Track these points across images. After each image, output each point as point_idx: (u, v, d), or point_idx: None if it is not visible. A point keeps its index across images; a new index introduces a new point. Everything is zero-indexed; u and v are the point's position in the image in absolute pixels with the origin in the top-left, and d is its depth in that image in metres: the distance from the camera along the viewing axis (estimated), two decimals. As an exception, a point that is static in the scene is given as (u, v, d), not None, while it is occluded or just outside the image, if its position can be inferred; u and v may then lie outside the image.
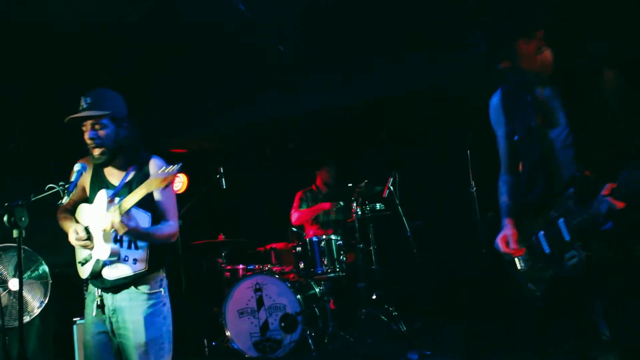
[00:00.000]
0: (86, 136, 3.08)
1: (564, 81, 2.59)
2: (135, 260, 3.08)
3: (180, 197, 7.65)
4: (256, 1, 4.14)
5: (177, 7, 4.08)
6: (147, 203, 3.13)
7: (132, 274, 3.08)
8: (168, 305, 3.24)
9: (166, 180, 2.83)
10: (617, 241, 2.38)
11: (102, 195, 3.08)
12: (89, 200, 3.23)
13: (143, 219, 3.09)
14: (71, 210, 3.30)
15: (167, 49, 4.74)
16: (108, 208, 3.01)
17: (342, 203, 6.60)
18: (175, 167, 2.85)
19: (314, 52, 5.15)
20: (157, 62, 4.93)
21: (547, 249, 2.58)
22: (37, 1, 3.85)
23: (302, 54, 5.12)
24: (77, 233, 3.08)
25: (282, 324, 5.52)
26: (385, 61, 5.61)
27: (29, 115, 5.41)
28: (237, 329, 5.64)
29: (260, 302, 5.64)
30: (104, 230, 2.99)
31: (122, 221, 2.89)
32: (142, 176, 3.14)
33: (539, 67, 2.60)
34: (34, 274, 4.65)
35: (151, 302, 3.13)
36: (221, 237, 6.37)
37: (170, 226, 3.18)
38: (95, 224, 3.08)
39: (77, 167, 3.03)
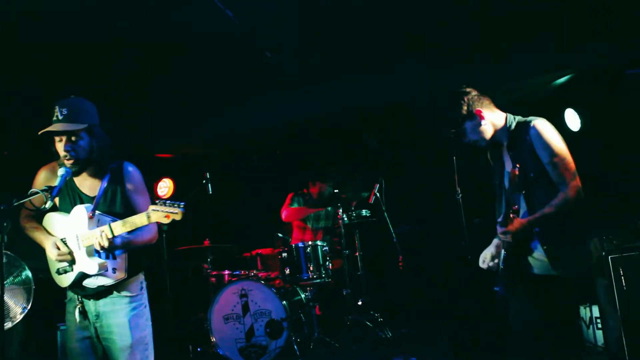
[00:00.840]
0: (60, 148, 3.06)
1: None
2: (114, 270, 3.10)
3: (165, 202, 7.67)
4: (247, 8, 4.14)
5: (165, 9, 4.06)
6: (124, 209, 3.15)
7: (113, 282, 3.11)
8: (148, 307, 3.30)
9: (169, 217, 2.81)
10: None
11: (81, 210, 3.06)
12: (58, 208, 3.20)
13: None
14: (34, 216, 3.25)
15: (155, 53, 4.72)
16: (89, 225, 3.01)
17: (330, 209, 6.60)
18: (179, 208, 2.81)
19: (303, 59, 5.16)
20: (145, 65, 4.90)
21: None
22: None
23: (292, 62, 5.13)
24: (59, 249, 3.07)
25: (268, 330, 5.50)
26: (372, 70, 5.64)
27: (15, 120, 5.36)
28: (223, 335, 5.62)
29: (245, 308, 5.62)
30: (87, 247, 2.99)
31: (110, 243, 2.92)
32: (117, 185, 3.16)
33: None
34: (16, 280, 4.61)
35: (134, 304, 3.19)
36: (207, 242, 6.35)
37: (149, 230, 3.19)
38: (74, 237, 3.07)
39: (61, 171, 3.01)
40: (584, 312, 5.74)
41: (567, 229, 3.21)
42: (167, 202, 2.83)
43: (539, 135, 3.22)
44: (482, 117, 3.34)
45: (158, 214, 2.82)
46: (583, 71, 5.97)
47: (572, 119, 6.07)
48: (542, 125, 3.25)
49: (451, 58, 5.38)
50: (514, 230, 3.10)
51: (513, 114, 3.46)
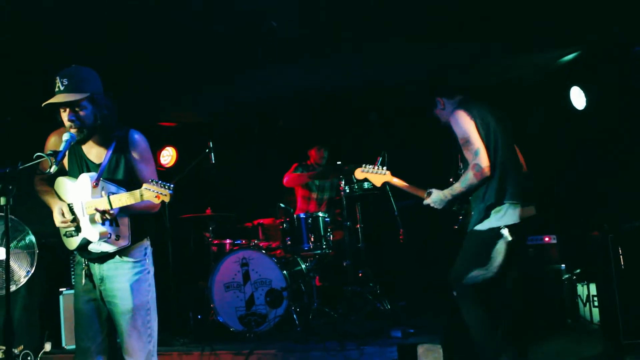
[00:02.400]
0: (64, 117, 3.07)
1: None
2: (117, 237, 3.14)
3: (169, 171, 7.71)
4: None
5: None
6: (127, 176, 3.18)
7: (116, 249, 3.16)
8: (153, 273, 3.35)
9: (159, 197, 2.85)
10: None
11: (85, 179, 3.09)
12: (67, 173, 3.25)
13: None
14: (48, 181, 3.31)
15: (158, 20, 4.68)
16: (93, 193, 3.05)
17: (335, 180, 6.61)
18: (168, 190, 2.85)
19: (309, 30, 5.12)
20: (146, 31, 4.86)
21: None
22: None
23: (297, 31, 5.09)
24: (64, 215, 3.11)
25: (268, 299, 5.56)
26: (377, 45, 5.60)
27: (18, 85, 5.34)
28: (223, 303, 5.69)
29: (246, 277, 5.68)
30: (90, 215, 3.03)
31: (108, 213, 2.98)
32: (122, 153, 3.19)
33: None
34: (20, 244, 4.65)
35: (136, 269, 3.24)
36: (209, 211, 6.38)
37: None
38: (80, 204, 3.11)
39: (65, 136, 3.02)
40: (581, 289, 5.81)
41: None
42: (160, 182, 2.87)
43: (453, 123, 4.02)
44: (442, 104, 4.24)
45: (150, 193, 2.86)
46: (589, 48, 5.93)
47: (578, 98, 6.05)
48: (455, 114, 4.01)
49: (453, 33, 5.33)
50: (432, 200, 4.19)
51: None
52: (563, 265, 5.80)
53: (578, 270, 5.88)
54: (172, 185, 2.85)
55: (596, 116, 5.92)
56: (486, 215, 3.91)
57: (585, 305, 5.75)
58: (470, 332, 3.98)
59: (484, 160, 3.86)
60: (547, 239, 5.82)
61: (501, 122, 4.02)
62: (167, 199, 2.84)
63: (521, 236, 3.95)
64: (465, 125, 3.94)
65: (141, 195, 2.91)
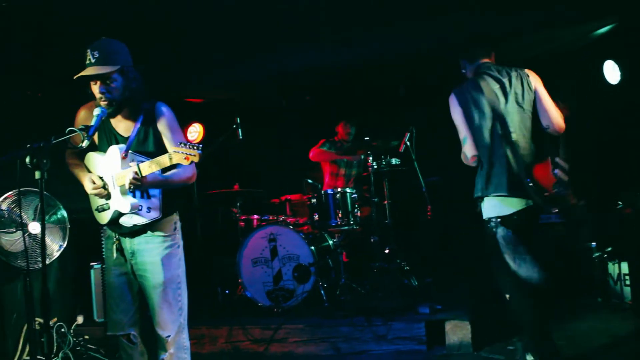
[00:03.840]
0: (95, 90, 3.09)
1: None
2: (149, 209, 3.17)
3: (196, 147, 7.73)
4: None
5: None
6: (156, 148, 3.20)
7: (147, 221, 3.18)
8: (182, 247, 3.38)
9: (188, 159, 2.84)
10: None
11: (115, 150, 3.11)
12: (97, 148, 3.27)
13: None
14: (78, 155, 3.34)
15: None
16: (123, 165, 3.07)
17: (363, 157, 6.57)
18: (197, 150, 2.83)
19: (336, 3, 5.05)
20: (175, 7, 4.85)
21: None
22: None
23: (324, 5, 5.03)
24: (94, 182, 3.14)
25: (295, 274, 5.59)
26: (407, 18, 5.51)
27: (49, 60, 5.38)
28: (251, 278, 5.73)
29: (274, 252, 5.71)
30: (121, 186, 3.05)
31: (137, 181, 2.98)
32: (150, 125, 3.20)
33: None
34: (52, 219, 4.72)
35: (166, 244, 3.27)
36: (237, 187, 6.41)
37: (187, 169, 3.23)
38: (110, 177, 3.14)
39: (96, 111, 3.04)
40: (612, 268, 5.72)
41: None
42: (188, 144, 2.85)
43: None
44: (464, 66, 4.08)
45: (179, 156, 2.85)
46: (623, 21, 5.77)
47: (612, 72, 5.91)
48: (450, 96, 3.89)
49: (485, 4, 5.22)
50: None
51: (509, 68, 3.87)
52: (594, 244, 5.71)
53: (609, 249, 5.79)
54: (200, 145, 2.83)
55: (630, 91, 5.78)
56: (481, 207, 3.80)
57: (616, 283, 5.67)
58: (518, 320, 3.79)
59: (469, 150, 3.81)
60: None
61: (504, 104, 3.72)
62: (196, 159, 2.83)
63: (520, 227, 3.69)
64: (452, 111, 3.86)
65: (170, 159, 2.90)
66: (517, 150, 3.65)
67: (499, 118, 3.69)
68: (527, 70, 3.81)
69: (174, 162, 2.90)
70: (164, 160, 2.94)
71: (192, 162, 2.84)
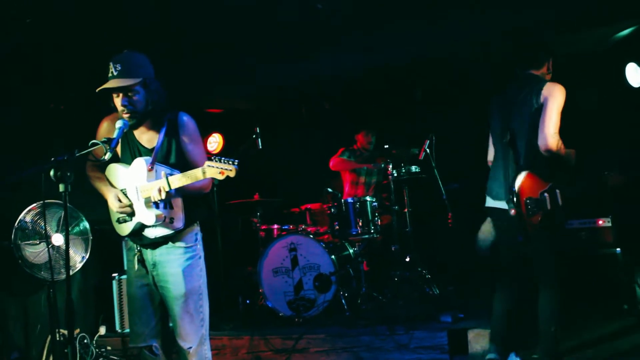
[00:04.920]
0: (118, 103, 3.11)
1: None
2: (172, 220, 3.17)
3: (216, 157, 7.76)
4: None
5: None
6: (179, 159, 3.20)
7: (170, 232, 3.19)
8: (203, 258, 3.38)
9: (223, 173, 2.83)
10: None
11: (141, 163, 3.12)
12: (119, 159, 3.29)
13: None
14: (99, 167, 3.37)
15: (204, 8, 4.69)
16: (149, 177, 3.08)
17: (383, 165, 6.55)
18: (234, 165, 2.84)
19: (353, 11, 5.05)
20: (194, 17, 4.88)
21: None
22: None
23: (341, 13, 5.03)
24: (120, 201, 3.16)
25: (316, 284, 5.57)
26: (426, 22, 5.49)
27: (71, 73, 5.44)
28: (272, 288, 5.72)
29: (294, 262, 5.70)
30: (146, 198, 3.06)
31: (166, 193, 3.01)
32: (173, 136, 3.21)
33: None
34: (74, 230, 4.77)
35: (188, 255, 3.27)
36: (257, 196, 6.42)
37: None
38: (134, 189, 3.15)
39: (119, 123, 3.07)
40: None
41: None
42: (223, 158, 2.84)
43: None
44: None
45: (213, 170, 2.84)
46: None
47: (634, 74, 5.84)
48: None
49: (506, 6, 5.18)
50: None
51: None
52: (618, 249, 5.61)
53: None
54: (237, 161, 2.83)
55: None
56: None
57: (642, 290, 5.57)
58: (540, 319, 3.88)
59: (488, 155, 4.24)
60: (600, 221, 5.64)
61: (515, 115, 3.83)
62: (232, 174, 2.82)
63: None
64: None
65: (204, 173, 2.89)
66: (517, 161, 3.77)
67: (509, 129, 3.84)
68: (549, 83, 3.75)
69: (207, 176, 2.89)
70: (196, 174, 2.94)
71: (226, 176, 2.83)
